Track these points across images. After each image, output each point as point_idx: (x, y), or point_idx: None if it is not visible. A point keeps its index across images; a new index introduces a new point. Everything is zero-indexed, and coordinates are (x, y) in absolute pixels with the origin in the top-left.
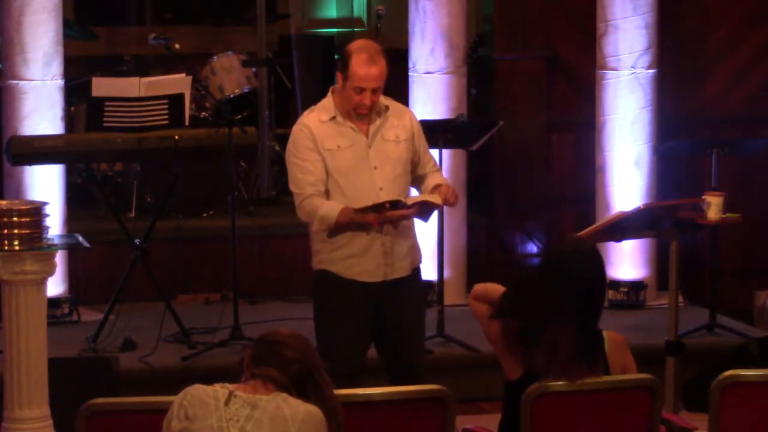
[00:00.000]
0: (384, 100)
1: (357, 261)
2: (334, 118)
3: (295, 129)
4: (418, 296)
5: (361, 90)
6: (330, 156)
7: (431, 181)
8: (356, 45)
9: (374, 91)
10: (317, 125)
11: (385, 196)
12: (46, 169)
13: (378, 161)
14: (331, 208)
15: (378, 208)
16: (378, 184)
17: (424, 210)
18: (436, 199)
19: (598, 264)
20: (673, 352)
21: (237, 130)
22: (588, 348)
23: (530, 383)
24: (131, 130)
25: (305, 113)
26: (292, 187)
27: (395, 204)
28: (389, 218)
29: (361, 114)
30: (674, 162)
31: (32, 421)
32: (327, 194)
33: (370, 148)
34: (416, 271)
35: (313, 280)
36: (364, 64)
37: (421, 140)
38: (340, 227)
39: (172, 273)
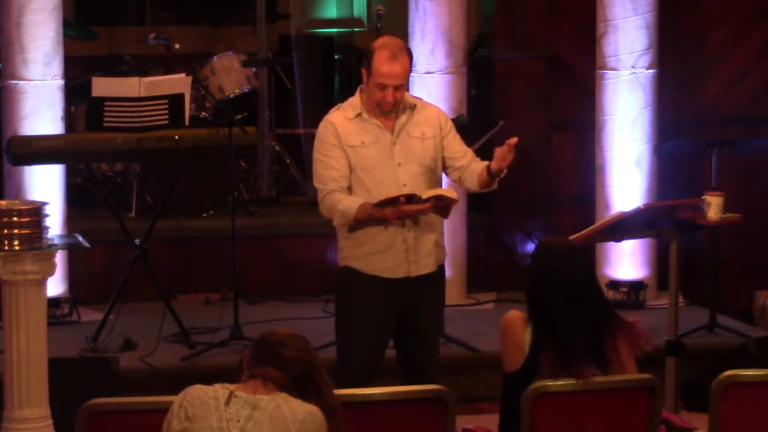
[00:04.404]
0: (412, 98)
1: (379, 257)
2: (359, 114)
3: (321, 126)
4: (439, 295)
5: (384, 87)
6: (354, 152)
7: (477, 165)
8: (380, 42)
9: (397, 88)
10: (342, 122)
11: (408, 193)
12: (46, 169)
13: (402, 158)
14: (350, 204)
15: (393, 202)
16: (402, 180)
17: (440, 205)
18: (452, 193)
19: (579, 263)
20: (673, 352)
21: (237, 130)
22: (596, 347)
23: (528, 376)
24: (131, 130)
25: (332, 110)
26: (315, 183)
27: (411, 198)
28: (405, 212)
29: (384, 110)
30: (674, 162)
31: (32, 421)
32: (350, 190)
33: (395, 145)
34: (441, 268)
35: (336, 276)
36: (387, 61)
37: (450, 135)
38: (359, 222)
39: (172, 273)
